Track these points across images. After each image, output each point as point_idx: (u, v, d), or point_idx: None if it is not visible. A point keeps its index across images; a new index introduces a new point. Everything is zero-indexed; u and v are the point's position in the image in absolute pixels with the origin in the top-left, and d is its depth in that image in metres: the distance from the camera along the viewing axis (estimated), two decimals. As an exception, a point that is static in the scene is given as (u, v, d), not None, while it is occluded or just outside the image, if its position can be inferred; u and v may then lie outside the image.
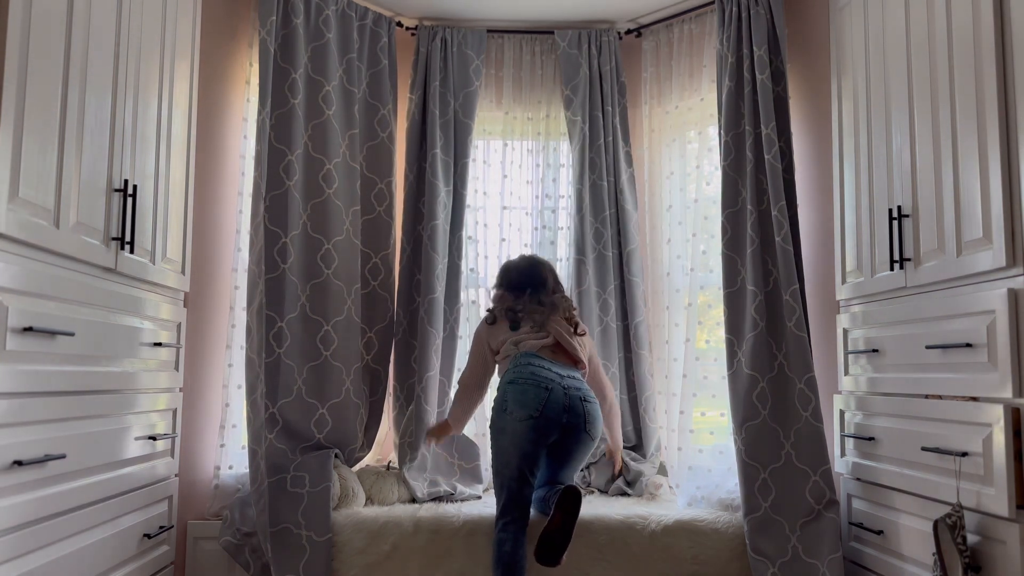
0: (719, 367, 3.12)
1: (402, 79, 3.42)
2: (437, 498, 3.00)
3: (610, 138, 3.40)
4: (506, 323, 2.92)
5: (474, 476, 3.20)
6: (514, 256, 3.16)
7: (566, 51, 3.45)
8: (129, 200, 2.26)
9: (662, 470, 3.28)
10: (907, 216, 2.35)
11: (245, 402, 2.94)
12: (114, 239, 2.20)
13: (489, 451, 3.37)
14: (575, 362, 2.84)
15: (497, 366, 2.97)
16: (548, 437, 2.61)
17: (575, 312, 3.01)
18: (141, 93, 2.36)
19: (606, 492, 3.17)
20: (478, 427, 3.32)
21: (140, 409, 2.41)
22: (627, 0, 3.34)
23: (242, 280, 3.09)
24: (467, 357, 3.08)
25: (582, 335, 2.93)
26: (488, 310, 3.03)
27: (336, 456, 2.92)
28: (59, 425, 1.95)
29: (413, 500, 2.99)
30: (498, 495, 2.62)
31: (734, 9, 3.04)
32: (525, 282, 2.95)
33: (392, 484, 2.97)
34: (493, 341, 2.93)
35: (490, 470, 3.27)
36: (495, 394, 2.79)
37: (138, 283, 2.40)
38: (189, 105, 2.74)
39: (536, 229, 3.47)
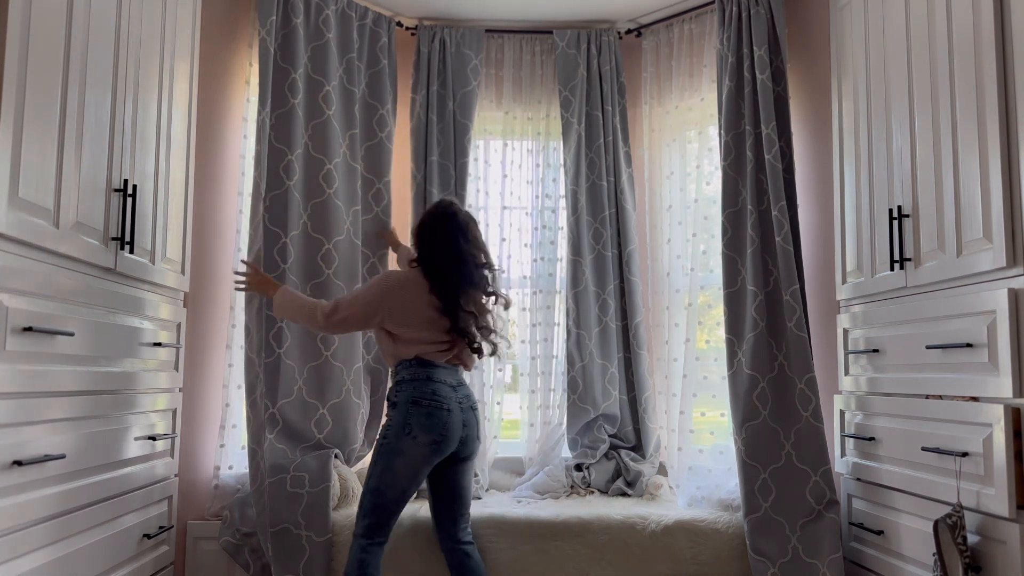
0: (719, 367, 3.12)
1: (402, 79, 3.42)
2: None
3: (610, 138, 3.39)
4: (441, 320, 2.51)
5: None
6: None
7: (564, 51, 3.44)
8: (129, 200, 2.26)
9: (662, 470, 3.28)
10: (907, 216, 2.35)
11: (245, 402, 2.94)
12: (114, 239, 2.20)
13: (485, 451, 3.36)
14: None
15: (394, 340, 2.56)
16: (444, 455, 2.49)
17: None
18: (141, 93, 2.36)
19: (606, 492, 3.17)
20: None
21: (140, 409, 2.41)
22: (627, 0, 3.34)
23: (242, 280, 3.09)
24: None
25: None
26: (440, 278, 2.53)
27: (336, 456, 2.92)
28: (59, 425, 1.95)
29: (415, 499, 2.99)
30: (369, 513, 2.43)
31: (734, 9, 3.04)
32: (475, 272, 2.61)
33: (392, 484, 2.97)
34: (396, 316, 2.52)
35: (488, 471, 3.27)
36: (395, 404, 2.49)
37: (138, 283, 2.40)
38: (189, 105, 2.74)
39: (536, 229, 3.46)
